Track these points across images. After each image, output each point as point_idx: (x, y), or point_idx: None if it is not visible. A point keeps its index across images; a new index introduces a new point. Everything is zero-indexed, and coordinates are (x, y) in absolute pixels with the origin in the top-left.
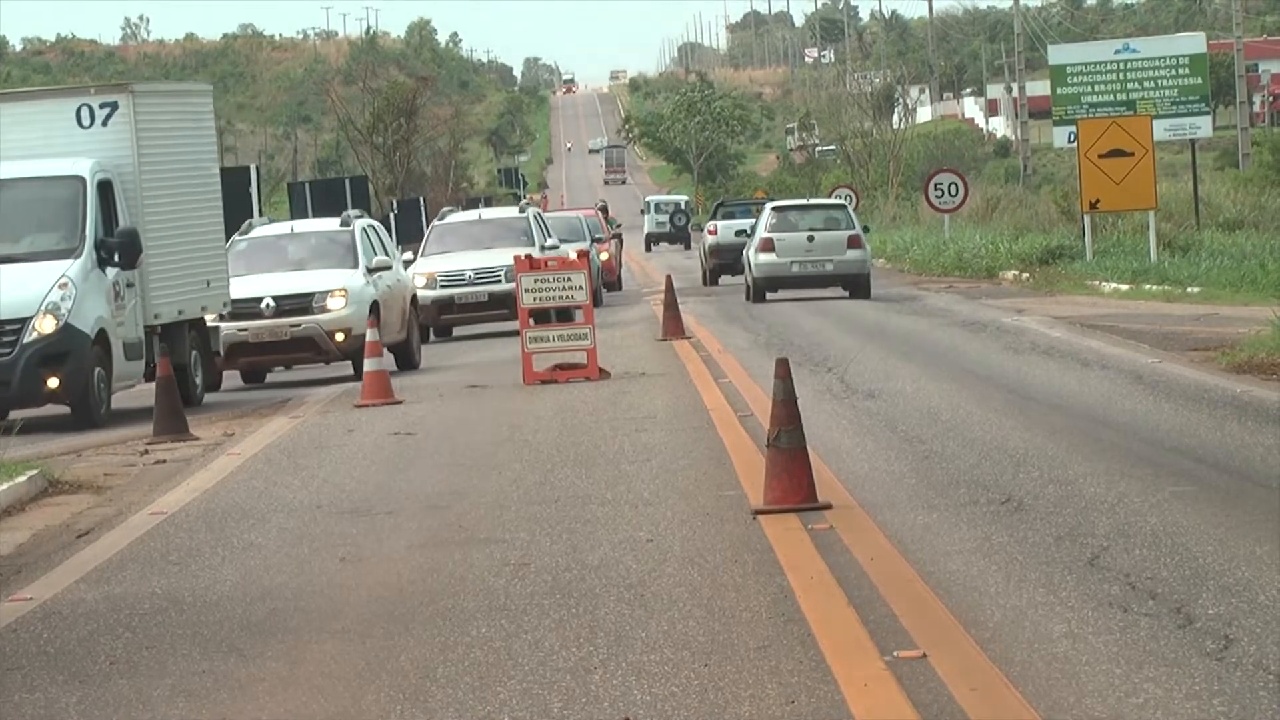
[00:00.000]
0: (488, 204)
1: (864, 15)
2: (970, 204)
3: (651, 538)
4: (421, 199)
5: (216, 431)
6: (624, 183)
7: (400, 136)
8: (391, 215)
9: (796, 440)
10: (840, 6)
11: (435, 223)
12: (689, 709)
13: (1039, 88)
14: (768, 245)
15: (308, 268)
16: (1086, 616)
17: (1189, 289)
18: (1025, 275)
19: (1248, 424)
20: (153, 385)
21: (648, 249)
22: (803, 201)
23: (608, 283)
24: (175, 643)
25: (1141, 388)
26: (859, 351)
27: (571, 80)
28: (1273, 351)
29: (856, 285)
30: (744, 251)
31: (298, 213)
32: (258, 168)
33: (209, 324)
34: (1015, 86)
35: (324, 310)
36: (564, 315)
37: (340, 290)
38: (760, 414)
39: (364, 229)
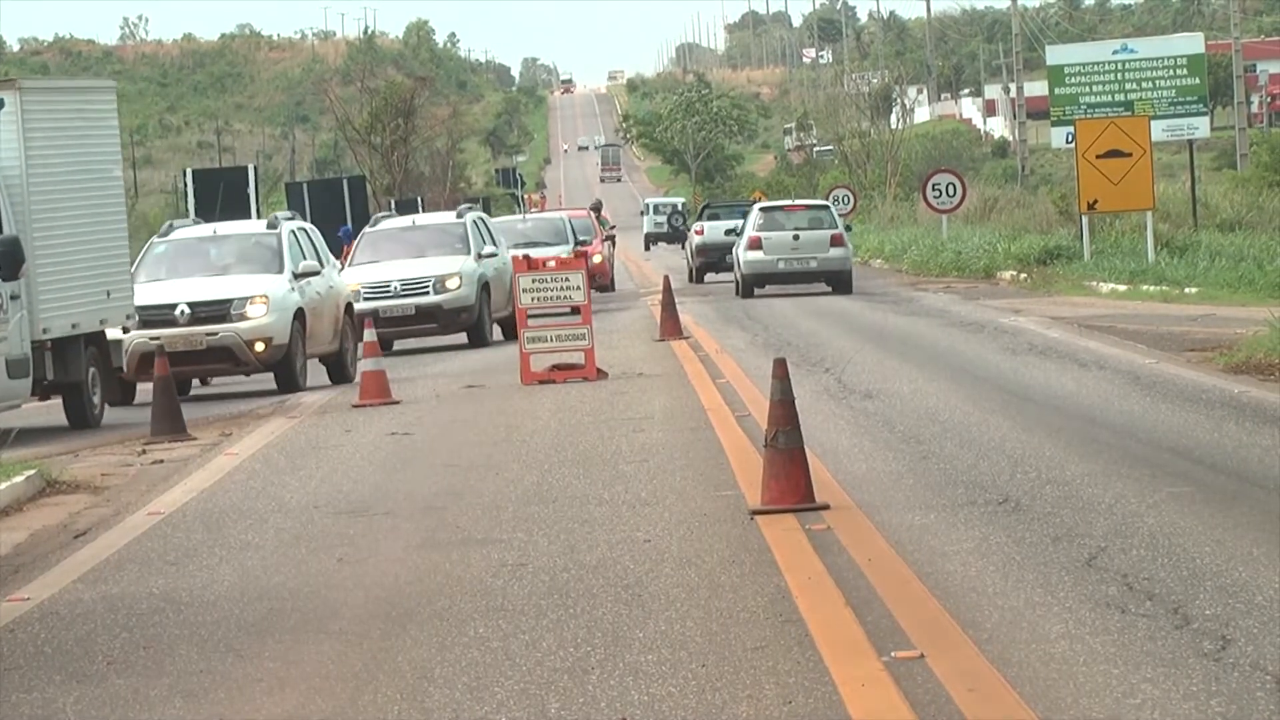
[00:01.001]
0: (485, 204)
1: (862, 15)
2: (968, 204)
3: (649, 538)
4: (420, 199)
5: (214, 432)
6: (619, 180)
7: (398, 136)
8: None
9: (794, 440)
10: (838, 7)
11: (366, 229)
12: (686, 709)
13: (1037, 88)
14: (756, 243)
15: (230, 273)
16: (1084, 617)
17: (1187, 289)
18: (1023, 276)
19: (1245, 425)
20: (46, 404)
21: (646, 248)
22: (788, 202)
23: (600, 286)
24: (173, 643)
25: (1139, 388)
26: (856, 352)
27: (570, 81)
28: (1270, 352)
29: (839, 281)
30: (733, 249)
31: (296, 212)
32: (255, 168)
33: (113, 336)
34: (1013, 87)
35: (243, 318)
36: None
37: (261, 297)
38: (758, 414)
39: (293, 231)
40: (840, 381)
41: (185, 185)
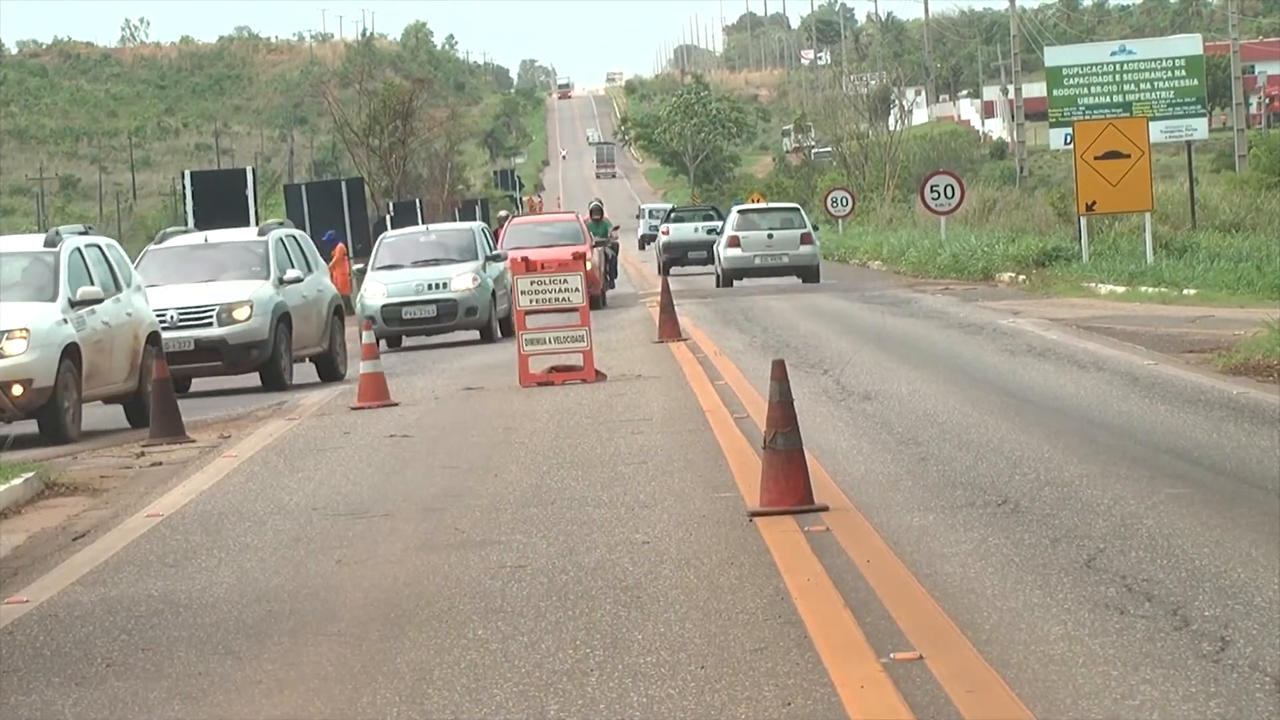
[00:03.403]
0: (482, 205)
1: (860, 17)
2: (966, 206)
3: (648, 540)
4: (418, 201)
5: (213, 434)
6: (614, 176)
7: (396, 139)
8: (387, 218)
9: (793, 442)
10: (836, 8)
11: (150, 247)
12: (685, 711)
13: (1035, 89)
14: (734, 241)
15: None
16: (1083, 618)
17: (1185, 291)
18: (1021, 277)
19: (1244, 426)
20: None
21: (641, 248)
22: (763, 205)
23: (590, 295)
24: (172, 645)
25: (1138, 390)
26: (855, 353)
27: (567, 86)
28: (1269, 354)
29: (808, 273)
30: (714, 247)
31: (294, 216)
32: (254, 170)
33: None
34: (1011, 88)
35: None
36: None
37: (20, 331)
38: (756, 416)
39: (77, 249)
40: (839, 383)
41: (184, 188)
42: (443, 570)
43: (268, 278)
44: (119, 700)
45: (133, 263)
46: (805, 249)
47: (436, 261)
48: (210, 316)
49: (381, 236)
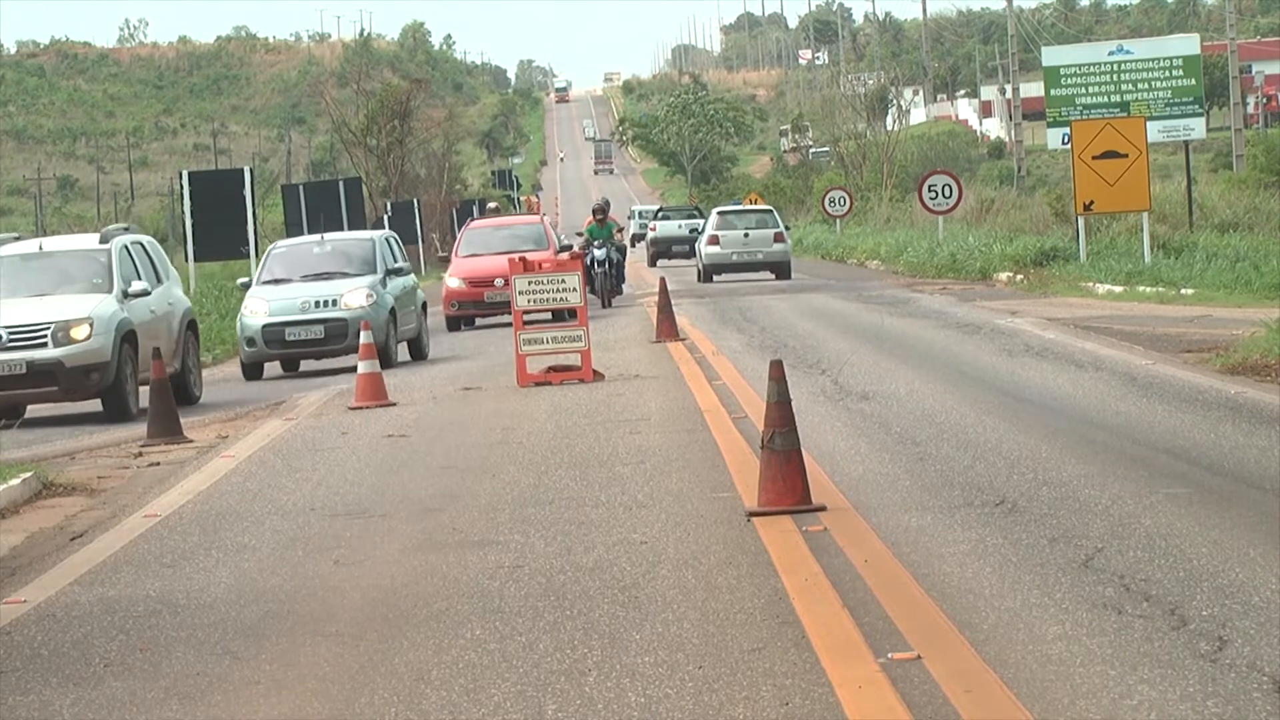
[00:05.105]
0: (480, 206)
1: (858, 17)
2: (964, 206)
3: (646, 540)
4: (416, 201)
5: (210, 434)
6: (612, 173)
7: (394, 139)
8: (385, 218)
9: (791, 442)
10: (834, 8)
11: None
12: (683, 711)
13: (1033, 89)
14: (714, 240)
15: None
16: (1081, 618)
17: (1183, 291)
18: (1019, 277)
19: (1242, 426)
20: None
21: (632, 245)
22: (739, 207)
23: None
24: (169, 645)
25: (1135, 389)
26: (853, 353)
27: (565, 89)
28: (1266, 353)
29: (780, 269)
30: (695, 244)
31: (292, 216)
32: (252, 170)
33: None
34: (1009, 88)
35: None
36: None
37: (85, 319)
38: (754, 416)
39: (122, 247)
40: (837, 383)
41: (182, 188)
42: (440, 570)
43: (111, 291)
44: (117, 700)
45: None
46: (778, 247)
47: (329, 275)
48: (45, 336)
49: (271, 246)
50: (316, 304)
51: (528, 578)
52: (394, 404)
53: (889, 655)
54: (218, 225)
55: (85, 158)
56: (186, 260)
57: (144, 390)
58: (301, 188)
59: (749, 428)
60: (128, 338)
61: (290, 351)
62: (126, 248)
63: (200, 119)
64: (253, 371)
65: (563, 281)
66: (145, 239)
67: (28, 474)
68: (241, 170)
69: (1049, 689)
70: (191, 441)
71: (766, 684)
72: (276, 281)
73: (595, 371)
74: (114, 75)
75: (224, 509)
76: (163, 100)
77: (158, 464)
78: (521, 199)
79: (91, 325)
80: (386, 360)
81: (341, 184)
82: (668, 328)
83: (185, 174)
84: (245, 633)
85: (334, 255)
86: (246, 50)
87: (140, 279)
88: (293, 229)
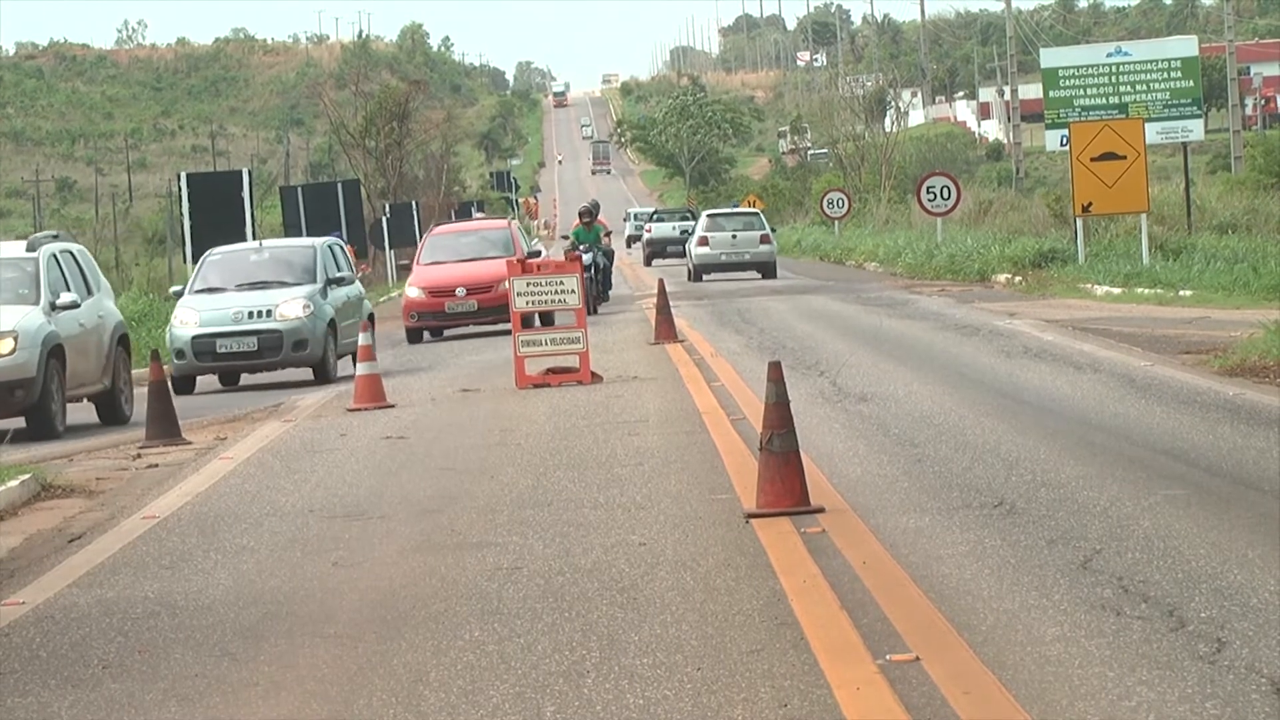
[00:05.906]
0: (479, 208)
1: (856, 18)
2: (963, 207)
3: (644, 541)
4: (414, 203)
5: (209, 436)
6: (609, 173)
7: (392, 140)
8: (384, 220)
9: (789, 444)
10: (832, 10)
11: None
12: (682, 712)
13: (1031, 91)
14: (704, 241)
15: None
16: (1079, 620)
17: (1181, 292)
18: (1018, 279)
19: (1240, 427)
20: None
21: (628, 246)
22: (728, 210)
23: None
24: (168, 646)
25: (1134, 391)
26: (851, 355)
27: (564, 94)
28: (1265, 355)
29: (766, 268)
30: (685, 245)
31: (290, 218)
32: (250, 172)
33: None
34: (1007, 90)
35: None
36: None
37: (9, 333)
38: (753, 417)
39: (50, 256)
40: (835, 385)
41: (180, 189)
42: (439, 572)
43: (37, 303)
44: (115, 702)
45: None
46: (764, 248)
47: (265, 285)
48: None
49: (206, 254)
50: (250, 314)
51: (526, 579)
52: (392, 406)
53: (887, 656)
54: (216, 227)
55: (84, 159)
56: (185, 262)
57: (72, 408)
58: (300, 190)
59: (747, 429)
60: (54, 352)
61: (222, 364)
62: (55, 257)
63: (199, 120)
64: (183, 385)
65: (561, 283)
66: (75, 247)
67: (26, 476)
68: (240, 172)
69: (1047, 690)
70: (190, 443)
71: (765, 685)
72: (210, 290)
73: (593, 373)
74: (112, 77)
75: (223, 511)
76: (161, 102)
77: (156, 466)
78: (519, 201)
79: (16, 339)
80: (325, 375)
81: (340, 186)
82: (666, 329)
83: (183, 176)
84: (244, 634)
85: (272, 263)
86: (245, 52)
87: (69, 290)
88: (291, 230)
